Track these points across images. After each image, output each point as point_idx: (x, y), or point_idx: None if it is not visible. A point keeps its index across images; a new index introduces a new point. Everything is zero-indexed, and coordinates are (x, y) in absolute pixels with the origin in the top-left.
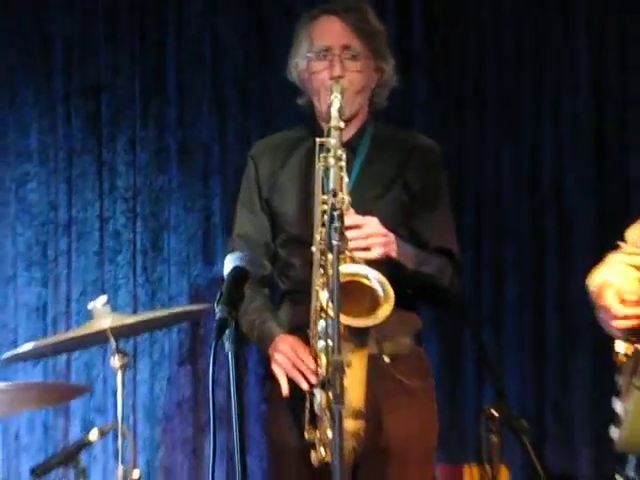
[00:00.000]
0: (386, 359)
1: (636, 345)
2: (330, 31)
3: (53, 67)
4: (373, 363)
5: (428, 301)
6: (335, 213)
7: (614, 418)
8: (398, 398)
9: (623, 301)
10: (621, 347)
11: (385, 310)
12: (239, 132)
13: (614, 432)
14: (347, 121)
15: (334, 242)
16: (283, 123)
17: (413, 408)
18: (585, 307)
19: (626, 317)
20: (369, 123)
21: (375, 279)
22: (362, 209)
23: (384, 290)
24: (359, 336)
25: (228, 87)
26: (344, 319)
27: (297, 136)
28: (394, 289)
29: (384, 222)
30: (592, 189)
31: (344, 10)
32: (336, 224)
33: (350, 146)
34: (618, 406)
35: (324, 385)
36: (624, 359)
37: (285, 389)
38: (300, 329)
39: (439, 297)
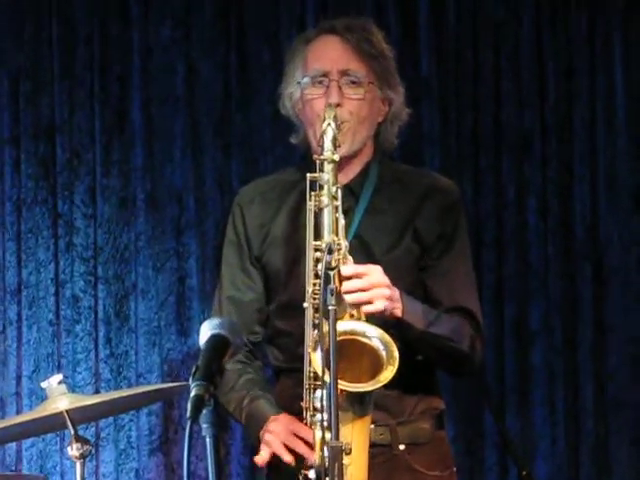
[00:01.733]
0: (401, 448)
1: None
2: (328, 53)
3: None
4: (386, 453)
5: (445, 369)
6: (331, 273)
7: None
8: None
9: None
10: None
11: (388, 373)
12: (218, 178)
13: None
14: (348, 159)
15: (330, 307)
16: (270, 167)
17: None
18: (627, 376)
19: None
20: (373, 163)
21: (376, 337)
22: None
23: (387, 350)
24: (359, 404)
25: (204, 124)
26: (340, 383)
27: (289, 180)
28: (410, 360)
29: (396, 281)
30: (633, 242)
31: (345, 29)
32: (332, 285)
33: (352, 191)
34: None
35: (319, 476)
36: None
37: (263, 458)
38: (294, 410)
39: (457, 364)
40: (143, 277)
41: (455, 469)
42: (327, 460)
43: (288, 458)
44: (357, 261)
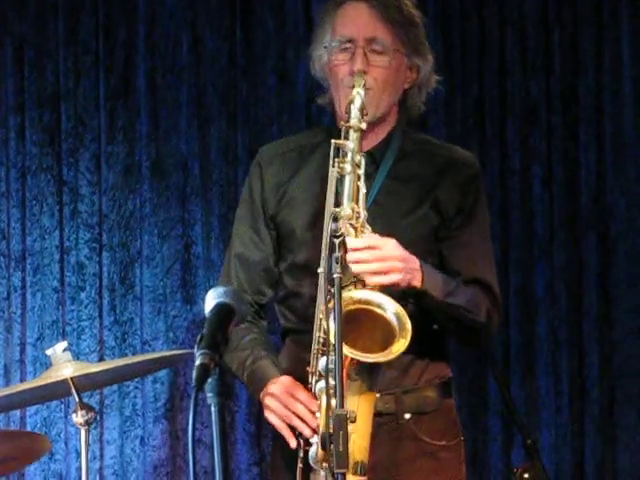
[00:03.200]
0: (407, 417)
1: None
2: (355, 20)
3: (3, 72)
4: (392, 422)
5: (460, 339)
6: (336, 240)
7: None
8: (421, 462)
9: None
10: None
11: (400, 345)
12: (223, 146)
13: None
14: (371, 126)
15: (335, 275)
16: (276, 136)
17: (440, 474)
18: (633, 346)
19: None
20: (397, 131)
21: (390, 310)
22: (383, 231)
23: (400, 322)
24: (367, 375)
25: (210, 93)
26: (351, 352)
27: (312, 141)
28: (420, 326)
29: (410, 247)
30: (639, 210)
31: None
32: (337, 254)
33: (373, 157)
34: None
35: (324, 443)
36: None
37: (293, 442)
38: (304, 379)
39: (473, 335)
40: (148, 244)
41: (463, 438)
42: (330, 428)
43: (293, 444)
44: (375, 226)
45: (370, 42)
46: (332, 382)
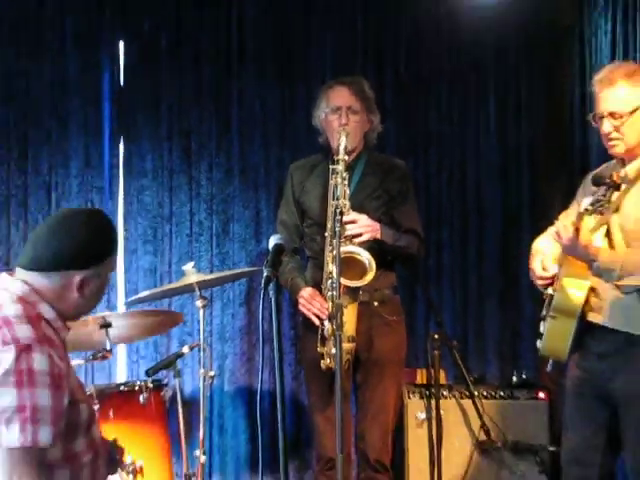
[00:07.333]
0: (375, 304)
1: (547, 291)
2: (340, 96)
3: None
4: (367, 307)
5: (403, 263)
6: (338, 211)
7: (539, 335)
8: (383, 328)
9: (544, 268)
10: (549, 290)
11: (370, 276)
12: (277, 159)
13: (539, 343)
14: (351, 152)
15: (337, 229)
16: (306, 153)
17: (392, 334)
18: (492, 263)
19: (542, 278)
20: (363, 152)
21: (364, 256)
22: (359, 206)
23: (369, 263)
24: (352, 292)
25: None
26: (343, 281)
27: (317, 160)
28: (380, 258)
29: (373, 213)
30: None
31: (349, 82)
32: (338, 217)
33: (351, 167)
34: (542, 326)
35: (330, 319)
36: (546, 298)
37: (317, 321)
38: (318, 283)
39: (410, 260)
40: (238, 212)
41: (403, 317)
42: (334, 311)
43: (317, 322)
44: (355, 204)
45: (349, 108)
46: (334, 293)
